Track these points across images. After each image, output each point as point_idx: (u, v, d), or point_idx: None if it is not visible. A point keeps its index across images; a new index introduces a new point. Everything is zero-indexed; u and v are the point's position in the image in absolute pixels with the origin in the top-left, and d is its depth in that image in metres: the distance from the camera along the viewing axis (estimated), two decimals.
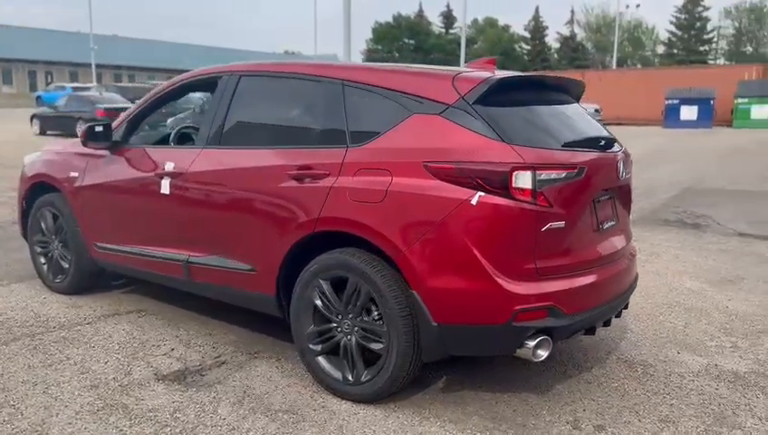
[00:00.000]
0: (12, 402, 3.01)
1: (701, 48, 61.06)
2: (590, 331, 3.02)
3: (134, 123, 4.18)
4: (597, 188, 2.96)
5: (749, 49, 62.71)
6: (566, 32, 70.85)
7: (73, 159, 4.39)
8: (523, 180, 2.61)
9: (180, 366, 3.46)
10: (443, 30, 79.18)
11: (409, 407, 3.00)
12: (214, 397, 3.10)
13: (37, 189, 4.69)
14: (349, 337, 3.03)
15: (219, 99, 3.65)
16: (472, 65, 3.44)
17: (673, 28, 62.48)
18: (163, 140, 4.44)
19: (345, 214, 2.93)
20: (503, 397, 3.11)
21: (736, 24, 62.59)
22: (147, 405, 3.01)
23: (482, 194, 2.62)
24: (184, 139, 4.48)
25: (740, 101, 26.95)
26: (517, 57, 69.67)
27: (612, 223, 3.18)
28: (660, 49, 65.71)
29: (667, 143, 20.66)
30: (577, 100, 3.47)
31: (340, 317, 3.05)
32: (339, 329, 3.06)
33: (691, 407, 3.04)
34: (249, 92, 3.59)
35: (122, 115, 4.21)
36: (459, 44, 73.03)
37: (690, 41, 60.83)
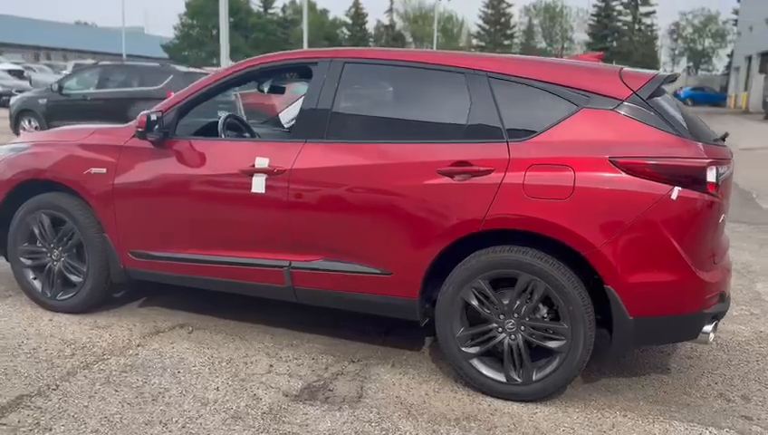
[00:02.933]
0: None
1: (505, 42, 66.91)
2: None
3: (184, 111, 3.61)
4: (731, 180, 3.21)
5: (543, 44, 70.09)
6: (386, 20, 73.26)
7: (92, 151, 3.67)
8: (713, 175, 2.76)
9: (301, 383, 3.12)
10: (261, 9, 77.22)
11: (575, 401, 3.04)
12: (377, 413, 2.86)
13: (22, 190, 3.85)
14: (513, 337, 2.97)
15: (319, 88, 3.30)
16: (582, 57, 3.51)
17: (481, 22, 67.67)
18: (204, 131, 3.87)
19: (523, 211, 2.85)
20: (641, 381, 3.28)
21: (534, 22, 69.59)
22: (320, 430, 2.70)
23: (679, 189, 2.72)
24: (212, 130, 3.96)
25: None
26: (340, 42, 70.41)
27: None
28: (471, 41, 70.73)
29: None
30: None
31: (502, 317, 2.98)
32: (500, 329, 2.99)
33: None
34: (360, 81, 3.30)
35: (169, 100, 3.61)
36: (280, 25, 71.77)
37: (496, 35, 66.35)
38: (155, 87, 10.96)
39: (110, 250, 3.68)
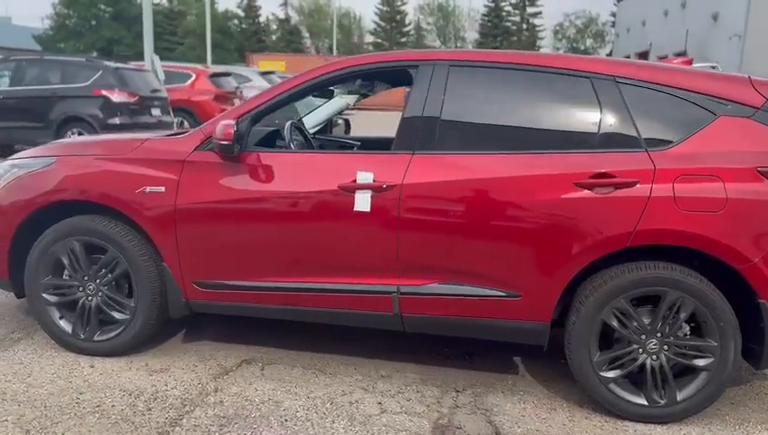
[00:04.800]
0: None
1: (402, 40, 67.65)
2: None
3: (258, 120, 3.15)
4: None
5: (437, 43, 71.60)
6: (281, 14, 71.68)
7: (145, 167, 3.11)
8: None
9: (427, 423, 2.82)
10: None
11: (712, 418, 2.93)
12: None
13: (44, 214, 3.23)
14: (655, 357, 2.83)
15: (423, 94, 2.98)
16: (668, 61, 3.42)
17: (377, 19, 67.97)
18: (266, 142, 3.40)
19: (677, 226, 2.71)
20: (752, 390, 3.25)
21: (429, 20, 70.91)
22: None
23: None
24: (270, 139, 3.53)
25: None
26: (232, 35, 68.04)
27: None
28: (369, 38, 70.91)
29: None
30: None
31: (644, 337, 2.83)
32: (641, 350, 2.84)
33: None
34: (470, 87, 3.01)
35: (240, 107, 3.12)
36: (167, 16, 68.22)
37: (392, 32, 66.92)
38: (81, 84, 9.93)
39: (169, 281, 3.15)
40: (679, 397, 2.83)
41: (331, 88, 3.80)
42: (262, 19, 71.71)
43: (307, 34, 71.49)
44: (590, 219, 2.77)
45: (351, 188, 2.93)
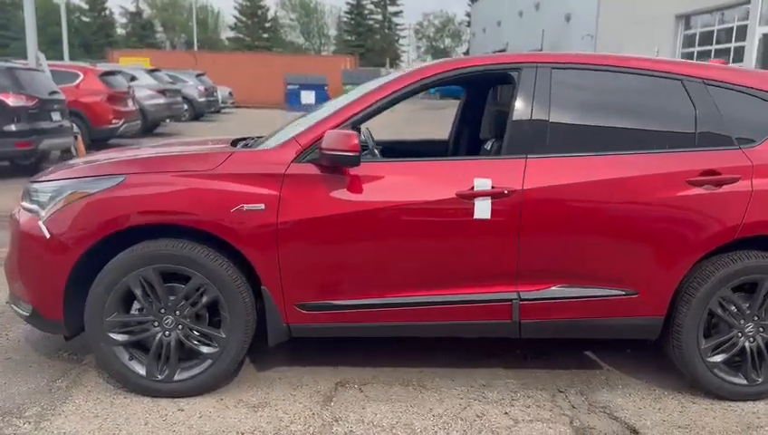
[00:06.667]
0: None
1: (264, 35, 66.18)
2: None
3: (355, 128, 2.94)
4: None
5: (301, 40, 70.98)
6: (131, 7, 67.12)
7: (239, 183, 2.79)
8: None
9: (566, 429, 2.81)
10: None
11: None
12: None
13: (108, 242, 2.80)
14: (752, 340, 3.05)
15: (530, 97, 2.97)
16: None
17: (237, 14, 65.96)
18: None
19: None
20: None
21: (291, 17, 69.97)
22: None
23: None
24: None
25: (347, 87, 30.91)
26: (77, 30, 62.67)
27: None
28: (229, 33, 68.52)
29: None
30: None
31: (742, 322, 3.03)
32: (740, 334, 3.04)
33: None
34: (572, 89, 3.03)
35: (339, 113, 2.88)
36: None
37: (254, 28, 65.25)
38: None
39: (269, 306, 2.86)
40: None
41: None
42: (113, 13, 66.90)
43: (161, 29, 67.64)
44: (703, 214, 2.91)
45: (471, 196, 2.84)
